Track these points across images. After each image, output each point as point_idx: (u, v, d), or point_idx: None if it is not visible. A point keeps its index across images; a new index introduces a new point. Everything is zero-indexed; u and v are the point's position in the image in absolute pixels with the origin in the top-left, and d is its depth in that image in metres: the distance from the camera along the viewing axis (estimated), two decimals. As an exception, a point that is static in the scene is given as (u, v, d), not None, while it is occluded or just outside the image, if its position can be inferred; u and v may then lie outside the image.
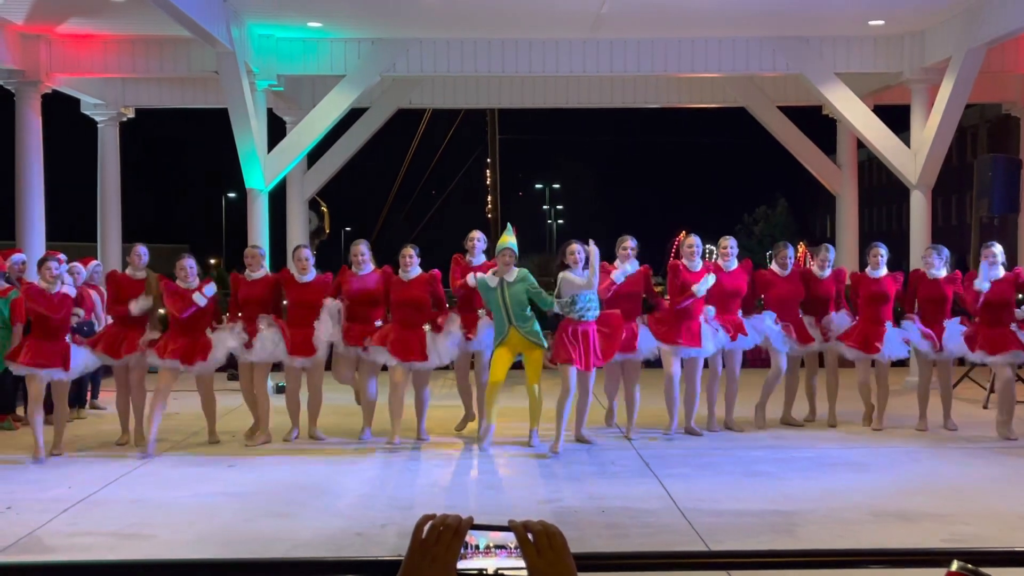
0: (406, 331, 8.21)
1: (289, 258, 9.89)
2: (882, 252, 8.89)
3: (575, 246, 8.11)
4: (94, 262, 10.42)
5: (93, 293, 9.92)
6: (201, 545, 5.61)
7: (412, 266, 8.37)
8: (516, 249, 8.09)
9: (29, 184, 11.93)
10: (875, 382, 8.89)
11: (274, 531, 5.96)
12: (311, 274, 8.38)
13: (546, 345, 8.09)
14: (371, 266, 8.38)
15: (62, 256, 8.43)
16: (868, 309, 8.78)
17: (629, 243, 8.51)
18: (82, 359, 7.96)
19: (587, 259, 7.93)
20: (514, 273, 7.96)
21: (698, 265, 8.46)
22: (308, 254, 8.50)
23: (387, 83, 13.94)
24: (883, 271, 8.86)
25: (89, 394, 10.23)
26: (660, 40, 11.96)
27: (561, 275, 8.06)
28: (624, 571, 2.44)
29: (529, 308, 8.05)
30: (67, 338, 7.85)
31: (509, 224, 8.33)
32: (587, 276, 7.88)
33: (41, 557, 5.35)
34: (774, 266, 9.01)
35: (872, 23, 11.44)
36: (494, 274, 7.98)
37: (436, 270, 8.56)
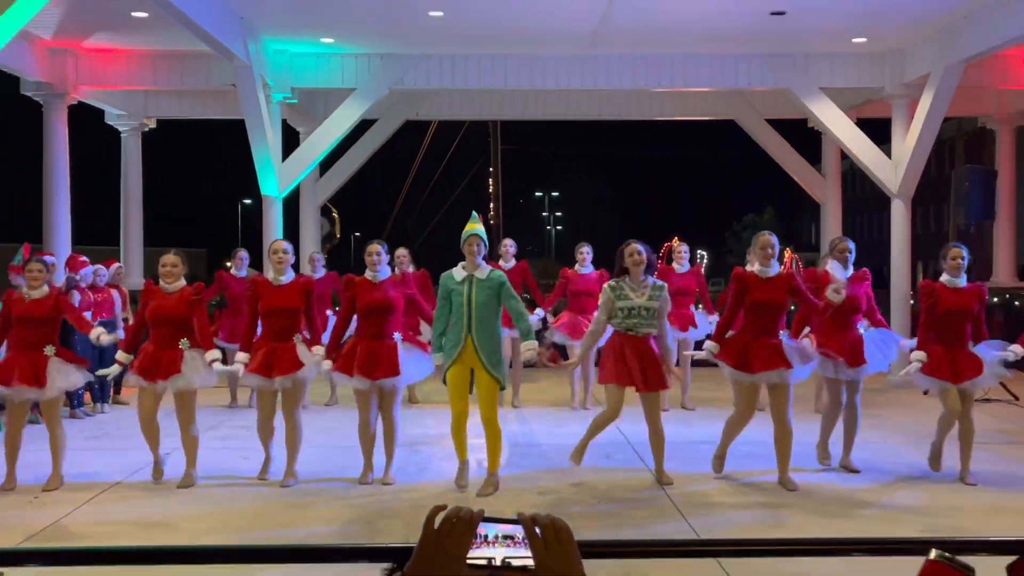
0: (373, 343, 6.69)
1: (303, 262, 9.83)
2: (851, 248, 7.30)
3: (638, 245, 6.69)
4: (116, 264, 10.44)
5: (115, 293, 9.95)
6: (218, 534, 5.61)
7: (380, 265, 6.81)
8: (484, 237, 6.56)
9: (56, 190, 11.96)
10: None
11: (288, 520, 5.96)
12: (289, 275, 6.86)
13: (503, 383, 6.52)
14: (388, 270, 6.91)
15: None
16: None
17: (584, 250, 9.59)
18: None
19: (648, 264, 6.64)
20: (486, 271, 6.51)
21: (685, 268, 9.55)
22: (288, 246, 6.96)
23: (395, 96, 13.96)
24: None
25: (112, 390, 10.22)
26: (654, 56, 11.97)
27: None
28: (619, 559, 2.44)
29: (498, 323, 6.54)
30: (47, 350, 6.70)
31: (474, 212, 6.88)
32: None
33: (69, 544, 5.35)
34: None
35: (855, 41, 11.45)
36: (463, 268, 6.52)
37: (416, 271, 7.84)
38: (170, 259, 6.76)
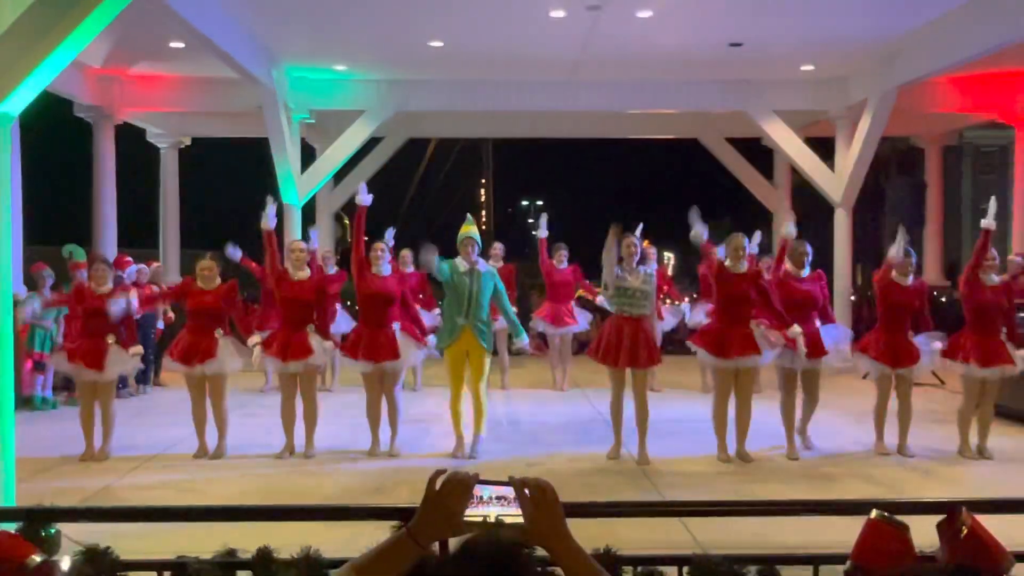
0: (375, 331, 6.73)
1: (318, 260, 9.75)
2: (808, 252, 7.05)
3: (633, 238, 6.74)
4: (156, 264, 10.39)
5: (155, 289, 9.88)
6: (244, 497, 5.58)
7: (383, 261, 6.86)
8: (478, 238, 6.69)
9: (104, 200, 11.91)
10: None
11: (305, 486, 5.94)
12: (305, 272, 6.82)
13: (489, 348, 6.66)
14: (389, 267, 6.96)
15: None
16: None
17: (562, 253, 9.74)
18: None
19: (643, 256, 6.79)
20: (485, 266, 6.72)
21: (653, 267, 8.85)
22: (304, 246, 7.03)
23: (400, 116, 13.89)
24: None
25: (153, 374, 10.16)
26: (627, 81, 11.97)
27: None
28: (598, 518, 2.43)
29: (487, 309, 6.68)
30: (108, 338, 6.75)
31: (469, 215, 7.04)
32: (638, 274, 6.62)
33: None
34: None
35: (804, 68, 11.47)
36: (463, 261, 6.61)
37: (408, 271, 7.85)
38: (206, 264, 6.90)
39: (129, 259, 9.66)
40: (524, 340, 6.82)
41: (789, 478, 6.20)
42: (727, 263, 6.70)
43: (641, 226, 7.69)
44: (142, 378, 9.79)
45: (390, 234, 9.13)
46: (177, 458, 6.76)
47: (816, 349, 6.76)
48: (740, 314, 6.64)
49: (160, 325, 10.07)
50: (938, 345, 6.83)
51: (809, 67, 11.37)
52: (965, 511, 1.96)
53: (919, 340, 6.87)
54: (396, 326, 6.85)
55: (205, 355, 6.64)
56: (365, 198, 6.81)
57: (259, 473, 6.33)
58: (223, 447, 6.81)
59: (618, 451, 6.67)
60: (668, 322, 9.80)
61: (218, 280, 6.88)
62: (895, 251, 6.76)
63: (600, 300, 9.94)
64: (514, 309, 9.15)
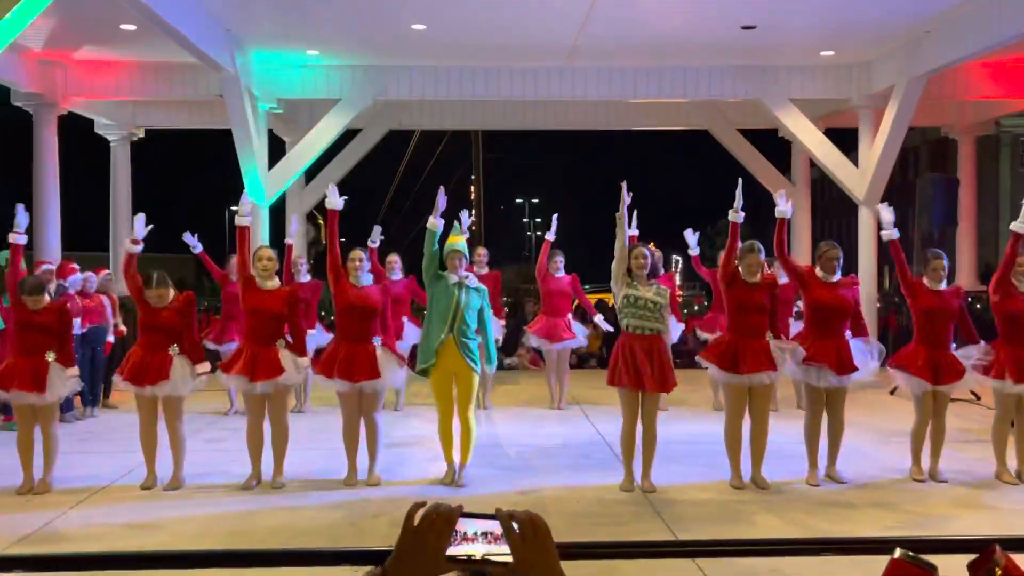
0: (353, 346, 6.70)
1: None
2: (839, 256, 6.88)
3: (643, 249, 6.63)
4: (105, 271, 10.35)
5: (104, 299, 9.87)
6: (205, 536, 5.57)
7: (362, 271, 6.82)
8: (466, 252, 6.78)
9: (46, 199, 11.86)
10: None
11: (276, 522, 5.92)
12: (274, 282, 6.79)
13: (478, 369, 6.67)
14: (370, 277, 6.93)
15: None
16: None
17: (557, 259, 9.75)
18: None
19: (654, 268, 6.65)
20: (475, 281, 6.78)
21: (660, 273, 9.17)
22: (273, 254, 6.89)
23: (379, 106, 13.93)
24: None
25: (102, 395, 10.13)
26: (630, 68, 12.01)
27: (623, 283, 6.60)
28: (598, 559, 2.45)
29: (474, 327, 6.71)
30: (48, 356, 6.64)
31: (456, 223, 7.08)
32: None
33: (58, 547, 5.30)
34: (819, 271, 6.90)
35: (823, 54, 11.54)
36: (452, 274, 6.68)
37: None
38: (155, 278, 6.66)
39: (74, 266, 9.63)
40: (493, 368, 7.06)
41: (809, 507, 6.22)
42: (741, 271, 6.65)
43: (631, 215, 7.55)
44: (90, 399, 9.75)
45: (377, 232, 9.14)
46: (129, 490, 6.72)
47: (845, 365, 6.66)
48: (753, 326, 6.63)
49: (110, 339, 10.04)
50: (974, 360, 6.83)
51: (829, 52, 11.45)
52: (999, 550, 1.98)
53: (960, 353, 6.87)
54: (377, 341, 6.80)
55: (158, 375, 6.56)
56: (336, 201, 6.80)
57: (223, 507, 6.30)
58: (180, 477, 6.78)
59: (631, 483, 6.64)
60: (674, 333, 9.78)
61: (171, 293, 6.72)
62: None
63: (599, 319, 9.99)
64: (500, 322, 9.41)
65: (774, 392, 9.63)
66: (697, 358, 7.15)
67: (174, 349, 6.66)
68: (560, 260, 9.89)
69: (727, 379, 6.64)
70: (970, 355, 6.89)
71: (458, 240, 6.77)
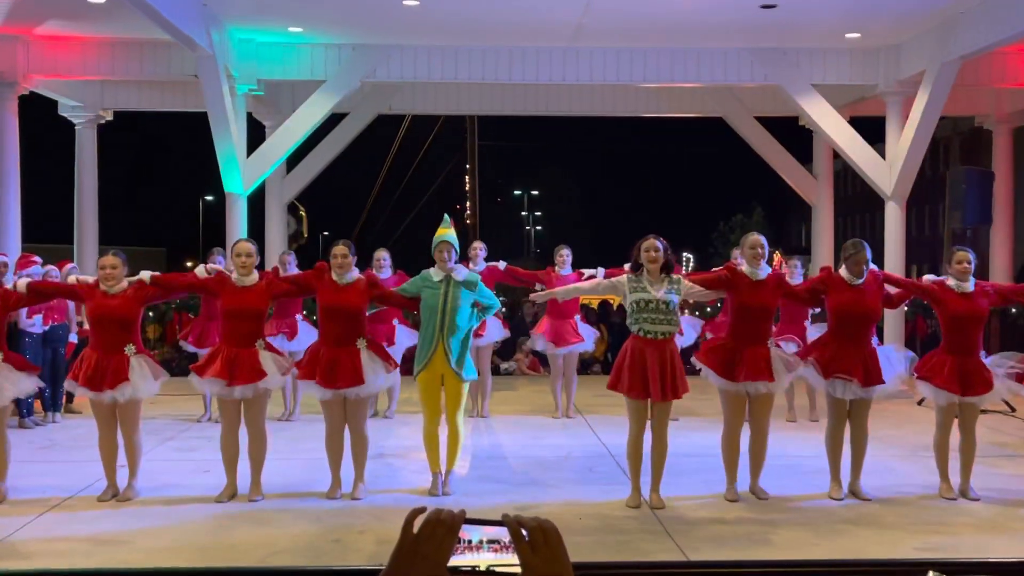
0: (335, 350, 6.65)
1: (268, 264, 9.79)
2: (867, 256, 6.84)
3: (655, 241, 6.50)
4: (70, 264, 10.32)
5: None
6: (177, 552, 5.55)
7: (346, 268, 6.76)
8: (455, 242, 6.79)
9: (5, 186, 11.81)
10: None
11: (251, 538, 5.91)
12: (253, 277, 6.74)
13: (465, 379, 6.73)
14: (356, 272, 6.86)
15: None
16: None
17: (564, 252, 9.72)
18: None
19: (667, 263, 6.50)
20: (464, 273, 6.77)
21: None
22: (253, 248, 6.84)
23: (367, 89, 13.90)
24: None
25: (64, 399, 10.10)
26: (639, 50, 12.00)
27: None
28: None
29: (466, 327, 6.74)
30: None
31: (446, 215, 7.12)
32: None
33: (17, 563, 5.28)
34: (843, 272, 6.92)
35: (849, 36, 11.53)
36: (439, 269, 6.74)
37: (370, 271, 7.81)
38: (109, 260, 6.65)
39: (35, 258, 9.59)
40: (493, 310, 7.16)
41: (831, 525, 6.22)
42: (743, 268, 6.64)
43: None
44: (51, 404, 9.74)
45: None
46: (93, 502, 6.71)
47: (872, 375, 6.66)
48: (755, 330, 6.65)
49: (73, 338, 10.02)
50: (1006, 368, 6.83)
51: (855, 34, 11.44)
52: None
53: (991, 361, 6.85)
54: (362, 343, 6.77)
55: (116, 377, 6.46)
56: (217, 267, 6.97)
57: (195, 521, 6.29)
58: (134, 487, 6.76)
59: (638, 499, 6.63)
60: (688, 336, 9.75)
61: (125, 283, 6.63)
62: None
63: (596, 271, 9.63)
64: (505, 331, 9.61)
65: (791, 401, 9.70)
66: (693, 359, 7.16)
67: (130, 348, 6.59)
68: (567, 254, 9.79)
69: (723, 385, 6.70)
70: (1002, 364, 6.88)
71: (447, 232, 6.76)
